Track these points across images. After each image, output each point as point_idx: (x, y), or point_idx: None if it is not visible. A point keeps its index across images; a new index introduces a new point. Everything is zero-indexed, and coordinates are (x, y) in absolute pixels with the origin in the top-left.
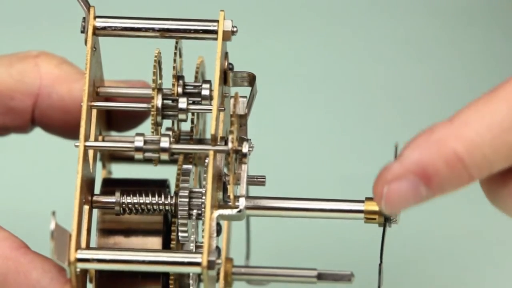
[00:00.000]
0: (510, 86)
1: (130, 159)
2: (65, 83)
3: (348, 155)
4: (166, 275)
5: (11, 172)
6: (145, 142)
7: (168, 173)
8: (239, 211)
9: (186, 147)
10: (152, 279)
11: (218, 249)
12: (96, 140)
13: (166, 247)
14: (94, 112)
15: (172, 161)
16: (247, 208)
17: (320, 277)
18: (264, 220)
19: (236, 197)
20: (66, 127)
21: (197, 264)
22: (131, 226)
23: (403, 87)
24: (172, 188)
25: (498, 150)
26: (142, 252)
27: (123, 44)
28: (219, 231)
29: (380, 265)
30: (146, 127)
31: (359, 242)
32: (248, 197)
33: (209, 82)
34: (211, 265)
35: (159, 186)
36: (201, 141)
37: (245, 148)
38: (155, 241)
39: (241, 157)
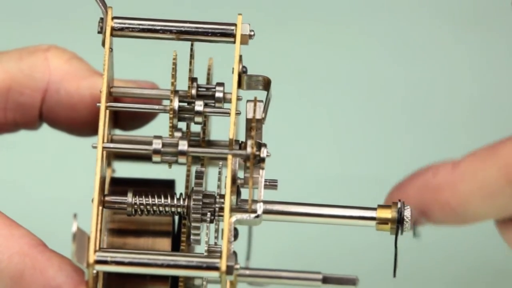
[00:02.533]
0: (505, 149)
1: (133, 158)
2: (74, 79)
3: (355, 156)
4: (174, 276)
5: (19, 170)
6: (163, 145)
7: (166, 171)
8: (257, 216)
9: (204, 151)
10: (161, 280)
11: (235, 254)
12: (108, 140)
13: (174, 248)
14: (108, 112)
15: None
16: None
17: (325, 280)
18: (269, 222)
19: (253, 202)
20: (72, 124)
21: (216, 268)
22: (139, 226)
23: (415, 88)
24: (177, 189)
25: (487, 209)
26: (160, 256)
27: (125, 45)
28: (236, 236)
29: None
30: (149, 128)
31: (364, 246)
32: (263, 201)
33: (222, 84)
34: (229, 270)
35: (168, 187)
36: (209, 143)
37: (263, 153)
38: (164, 242)
39: (259, 162)
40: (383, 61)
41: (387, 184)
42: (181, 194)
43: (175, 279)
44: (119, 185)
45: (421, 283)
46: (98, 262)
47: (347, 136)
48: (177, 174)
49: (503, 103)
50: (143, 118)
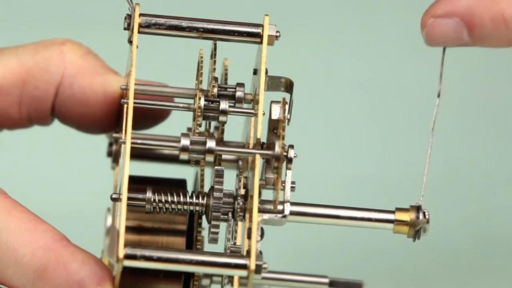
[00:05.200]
0: None
1: (141, 157)
2: (88, 75)
3: (365, 158)
4: (187, 275)
5: (20, 170)
6: (192, 142)
7: (167, 171)
8: (284, 216)
9: (232, 150)
10: (174, 279)
11: (261, 253)
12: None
13: (188, 247)
14: (124, 109)
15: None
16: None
17: (332, 284)
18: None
19: (280, 203)
20: (83, 120)
21: (244, 267)
22: (154, 225)
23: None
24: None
25: None
26: (188, 253)
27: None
28: (262, 235)
29: None
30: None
31: (371, 251)
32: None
33: (243, 85)
34: (258, 269)
35: (180, 187)
36: (225, 143)
37: (291, 154)
38: (179, 241)
39: (288, 162)
40: (394, 63)
41: (395, 185)
42: (199, 192)
43: (186, 279)
44: (132, 183)
45: (423, 283)
46: (128, 257)
47: (356, 137)
48: (178, 174)
49: (504, 103)
50: (155, 118)
